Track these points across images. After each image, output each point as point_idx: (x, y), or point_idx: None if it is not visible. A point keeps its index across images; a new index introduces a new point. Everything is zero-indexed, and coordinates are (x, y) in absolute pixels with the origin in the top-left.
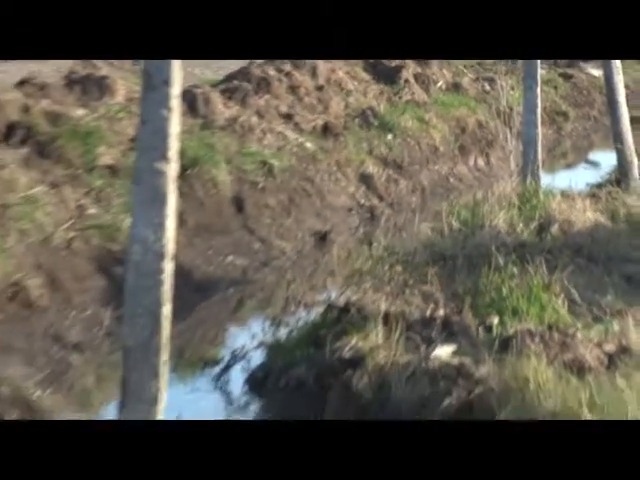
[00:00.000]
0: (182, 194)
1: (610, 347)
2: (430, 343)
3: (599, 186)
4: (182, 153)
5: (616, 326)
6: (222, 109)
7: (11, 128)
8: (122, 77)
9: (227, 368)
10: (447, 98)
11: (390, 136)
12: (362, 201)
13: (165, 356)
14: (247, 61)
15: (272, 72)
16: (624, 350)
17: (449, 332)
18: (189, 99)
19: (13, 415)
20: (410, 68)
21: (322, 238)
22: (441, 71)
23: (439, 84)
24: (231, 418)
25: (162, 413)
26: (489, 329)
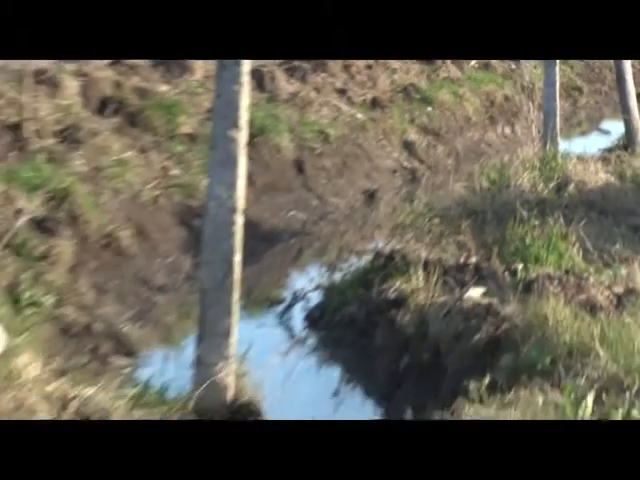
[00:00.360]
0: (251, 158)
1: (619, 289)
2: (463, 286)
3: (609, 151)
4: (251, 122)
5: (624, 271)
6: (285, 85)
7: (105, 101)
8: None
9: (289, 307)
10: (478, 75)
11: (429, 108)
12: (405, 164)
13: (236, 296)
14: None
15: None
16: (631, 291)
17: (480, 276)
18: (257, 77)
19: (107, 347)
20: None
21: (370, 196)
22: None
23: (471, 63)
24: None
25: (234, 345)
26: (514, 273)
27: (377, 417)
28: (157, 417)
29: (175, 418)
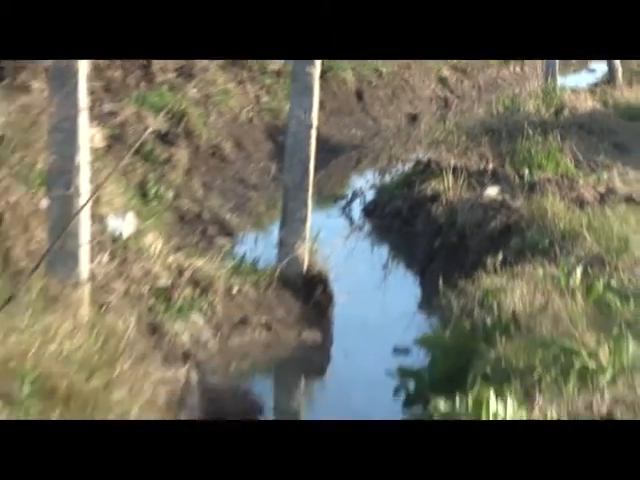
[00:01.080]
0: (322, 88)
1: (601, 189)
2: (483, 186)
3: (595, 85)
4: (322, 61)
5: (605, 175)
6: None
7: None
8: None
9: (350, 202)
10: None
11: None
12: (439, 94)
13: (310, 193)
14: None
15: None
16: (611, 191)
17: (495, 179)
18: None
19: (212, 230)
20: None
21: (413, 118)
22: None
23: None
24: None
25: (309, 230)
26: (522, 177)
27: (415, 290)
28: (249, 284)
29: (263, 284)
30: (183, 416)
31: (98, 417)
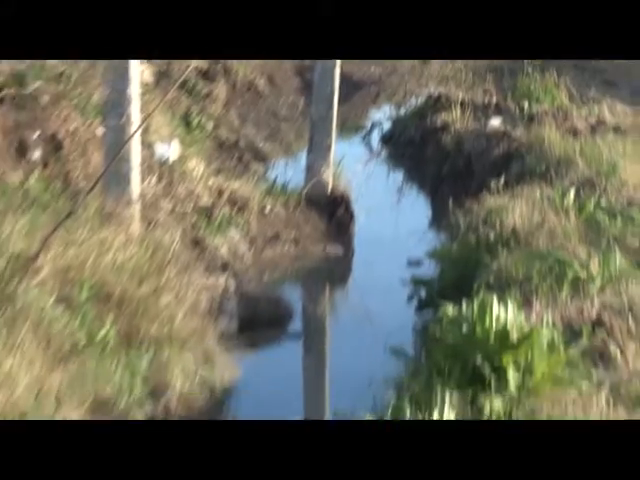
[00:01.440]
0: None
1: (592, 120)
2: (487, 117)
3: None
4: None
5: (596, 108)
6: None
7: None
8: None
9: (369, 131)
10: None
11: None
12: None
13: (335, 124)
14: None
15: None
16: (601, 122)
17: (498, 111)
18: None
19: (248, 156)
20: None
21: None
22: None
23: None
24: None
25: (333, 156)
26: (522, 109)
27: (426, 210)
28: (280, 204)
29: (292, 204)
30: (222, 319)
31: (148, 320)
